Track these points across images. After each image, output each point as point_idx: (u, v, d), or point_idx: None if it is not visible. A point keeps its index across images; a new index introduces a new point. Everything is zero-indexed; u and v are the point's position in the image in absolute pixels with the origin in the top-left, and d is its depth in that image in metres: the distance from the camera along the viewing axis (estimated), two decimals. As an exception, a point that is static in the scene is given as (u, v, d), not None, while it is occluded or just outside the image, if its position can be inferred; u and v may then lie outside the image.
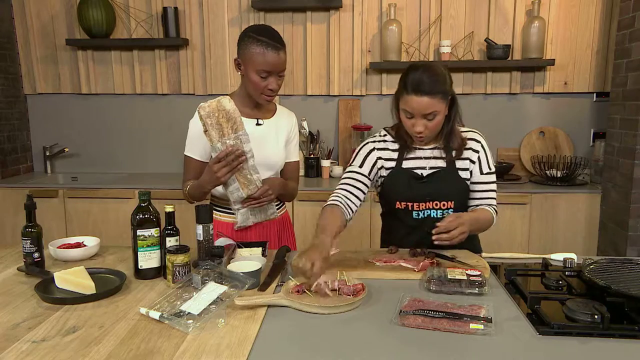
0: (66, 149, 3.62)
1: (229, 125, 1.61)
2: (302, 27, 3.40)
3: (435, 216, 1.69)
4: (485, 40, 3.25)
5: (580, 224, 3.03)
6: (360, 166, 1.73)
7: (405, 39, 3.34)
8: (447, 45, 3.24)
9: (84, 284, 1.38)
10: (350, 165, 1.76)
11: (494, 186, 1.72)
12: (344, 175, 1.74)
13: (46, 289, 1.39)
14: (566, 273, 1.49)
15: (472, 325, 1.15)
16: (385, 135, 1.76)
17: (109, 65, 3.54)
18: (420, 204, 1.69)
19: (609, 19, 3.23)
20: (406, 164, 1.71)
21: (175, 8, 3.36)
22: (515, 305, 1.31)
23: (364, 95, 3.47)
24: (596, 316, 1.17)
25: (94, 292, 1.36)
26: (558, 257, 1.63)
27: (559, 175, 3.12)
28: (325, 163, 3.37)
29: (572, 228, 3.03)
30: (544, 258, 1.62)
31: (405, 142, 1.71)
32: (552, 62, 3.20)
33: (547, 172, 3.14)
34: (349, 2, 3.34)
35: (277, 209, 1.90)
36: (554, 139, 3.39)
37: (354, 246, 2.96)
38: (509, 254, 1.73)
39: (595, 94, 3.34)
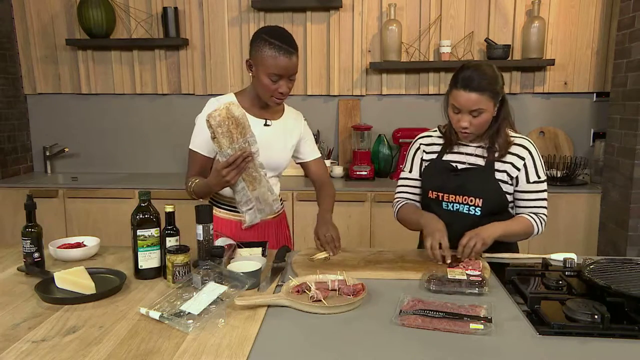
0: (66, 149, 3.62)
1: (238, 130, 1.59)
2: (302, 27, 3.40)
3: (463, 211, 1.72)
4: (485, 40, 3.25)
5: (580, 224, 3.03)
6: (410, 171, 1.88)
7: (405, 39, 3.34)
8: (447, 45, 3.24)
9: (84, 284, 1.38)
10: (402, 170, 1.91)
11: (542, 195, 1.72)
12: (399, 182, 1.91)
13: (46, 289, 1.39)
14: (566, 273, 1.49)
15: (472, 325, 1.15)
16: (435, 130, 1.85)
17: (109, 65, 3.54)
18: (450, 195, 1.74)
19: (609, 19, 3.23)
20: (447, 157, 1.78)
21: (175, 8, 3.36)
22: (515, 305, 1.31)
23: (363, 95, 3.47)
24: (596, 316, 1.17)
25: (94, 292, 1.36)
26: (558, 257, 1.63)
27: (559, 175, 3.11)
28: (326, 163, 3.37)
29: (572, 228, 3.03)
30: (544, 258, 1.62)
31: (450, 140, 1.76)
32: (552, 62, 3.20)
33: (547, 172, 3.14)
34: (349, 2, 3.34)
35: (280, 204, 1.90)
36: (554, 139, 3.39)
37: (354, 246, 2.96)
38: (509, 254, 1.73)
39: (595, 94, 3.34)
